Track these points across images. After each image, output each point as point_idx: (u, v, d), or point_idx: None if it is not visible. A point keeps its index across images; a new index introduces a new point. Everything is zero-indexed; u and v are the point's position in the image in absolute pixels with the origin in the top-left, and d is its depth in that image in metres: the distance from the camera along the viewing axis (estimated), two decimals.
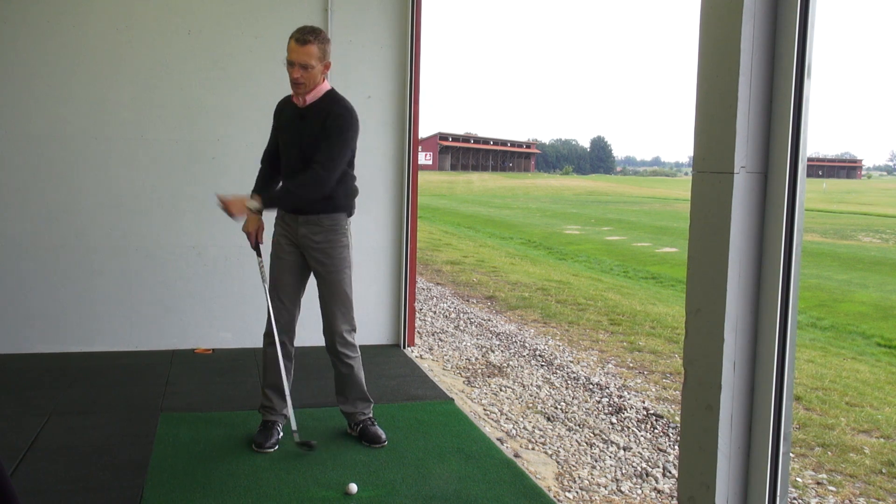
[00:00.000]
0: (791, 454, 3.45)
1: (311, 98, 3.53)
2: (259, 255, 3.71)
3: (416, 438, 3.87)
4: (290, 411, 3.66)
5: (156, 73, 5.25)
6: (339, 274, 3.64)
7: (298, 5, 5.41)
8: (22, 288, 5.18)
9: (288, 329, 3.71)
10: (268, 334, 3.70)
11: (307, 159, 3.50)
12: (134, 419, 4.03)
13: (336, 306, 3.65)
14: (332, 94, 3.58)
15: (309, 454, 3.59)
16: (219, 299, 5.49)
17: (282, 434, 3.75)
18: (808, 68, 1.96)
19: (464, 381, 5.51)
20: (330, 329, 3.68)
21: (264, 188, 3.73)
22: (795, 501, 3.76)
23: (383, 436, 3.76)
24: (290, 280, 3.69)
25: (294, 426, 3.61)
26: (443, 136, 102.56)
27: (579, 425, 4.67)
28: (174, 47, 5.25)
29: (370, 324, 5.73)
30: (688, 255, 2.21)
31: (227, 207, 3.53)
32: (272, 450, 3.63)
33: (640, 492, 3.76)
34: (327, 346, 3.72)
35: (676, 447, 4.32)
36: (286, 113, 3.65)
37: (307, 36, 3.42)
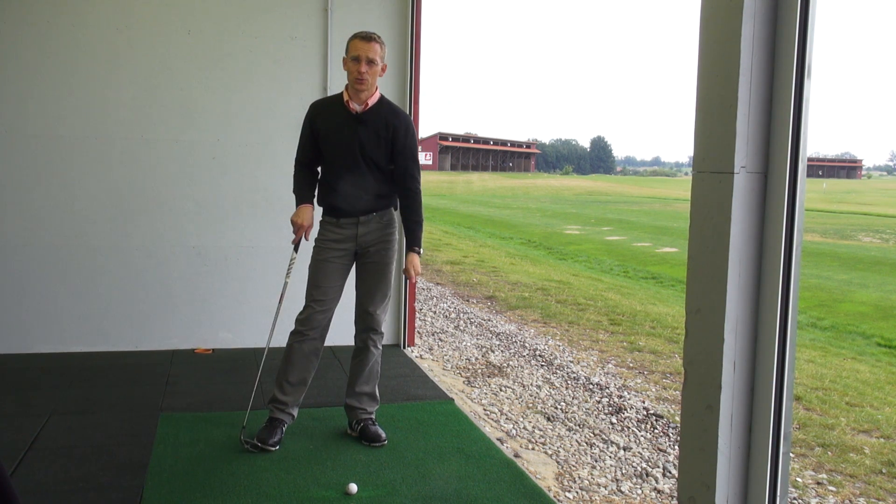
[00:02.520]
0: (791, 454, 3.45)
1: (371, 101, 3.61)
2: (296, 251, 3.76)
3: (416, 438, 3.87)
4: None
5: (156, 73, 5.25)
6: (392, 265, 3.81)
7: (298, 5, 5.41)
8: (22, 288, 5.18)
9: (323, 329, 3.73)
10: (301, 332, 3.69)
11: (371, 163, 3.62)
12: (134, 419, 4.03)
13: (384, 295, 3.78)
14: (386, 101, 3.70)
15: (311, 455, 3.59)
16: (219, 299, 5.49)
17: (283, 434, 3.75)
18: (808, 68, 1.96)
19: (464, 381, 5.51)
20: (371, 315, 3.76)
21: (308, 195, 3.76)
22: (795, 501, 3.76)
23: (383, 435, 3.77)
24: (337, 283, 3.72)
25: (245, 421, 3.72)
26: (443, 136, 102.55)
27: (579, 425, 4.67)
28: (174, 47, 5.25)
29: None
30: (688, 255, 2.21)
31: (409, 269, 3.70)
32: (274, 448, 3.63)
33: (640, 492, 3.76)
34: (362, 331, 3.78)
35: (676, 447, 4.32)
36: (335, 117, 3.63)
37: (372, 34, 3.54)
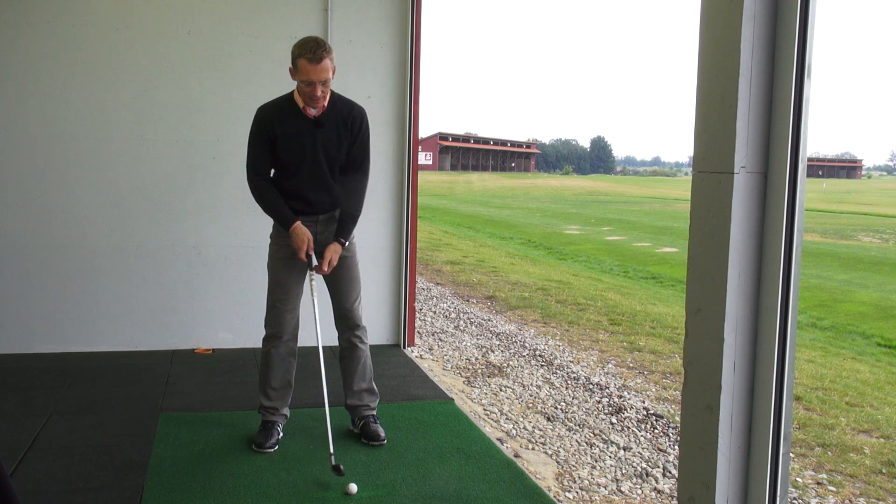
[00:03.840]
0: (791, 454, 3.45)
1: (325, 103, 3.53)
2: (311, 268, 3.62)
3: (416, 438, 3.87)
4: (329, 432, 3.50)
5: (156, 73, 5.25)
6: (356, 258, 3.79)
7: (298, 5, 5.41)
8: (22, 288, 5.18)
9: (294, 328, 3.75)
10: (275, 336, 3.69)
11: (334, 165, 3.59)
12: (134, 419, 4.03)
13: (357, 291, 3.78)
14: (338, 97, 3.60)
15: (311, 455, 3.59)
16: (219, 299, 5.49)
17: (282, 434, 3.75)
18: (808, 68, 1.96)
19: (464, 381, 5.51)
20: (350, 313, 3.76)
21: (291, 212, 3.58)
22: (795, 501, 3.76)
23: (383, 434, 3.78)
24: (299, 281, 3.71)
25: (332, 448, 3.44)
26: (443, 136, 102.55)
27: (579, 425, 4.67)
28: (174, 47, 5.25)
29: (370, 324, 5.69)
30: (688, 255, 2.21)
31: (325, 259, 3.56)
32: (272, 450, 3.64)
33: (640, 492, 3.76)
34: (345, 330, 3.78)
35: (676, 447, 4.32)
36: (292, 122, 3.52)
37: (320, 52, 3.31)
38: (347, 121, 3.56)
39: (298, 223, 3.55)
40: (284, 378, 3.75)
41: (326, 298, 3.82)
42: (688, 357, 2.21)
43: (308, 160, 3.56)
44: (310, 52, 3.31)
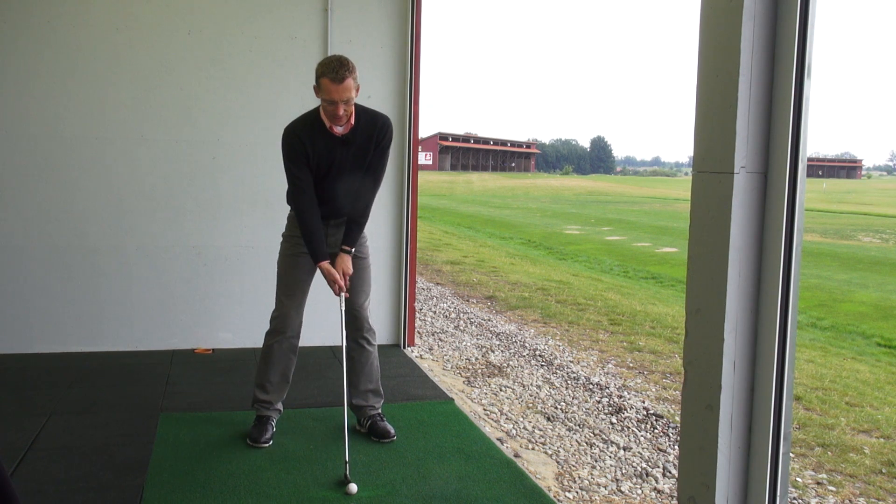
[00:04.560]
0: (791, 454, 3.45)
1: (351, 120, 3.51)
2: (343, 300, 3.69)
3: (416, 438, 3.87)
4: (346, 440, 3.44)
5: (156, 73, 5.25)
6: (368, 260, 3.83)
7: (298, 5, 5.41)
8: (22, 288, 5.18)
9: (298, 326, 3.77)
10: (278, 331, 3.71)
11: (357, 178, 3.61)
12: (134, 419, 4.03)
13: (368, 293, 3.82)
14: (361, 109, 3.57)
15: (311, 454, 3.59)
16: (219, 299, 5.49)
17: (274, 429, 3.78)
18: (808, 68, 1.96)
19: (464, 381, 5.51)
20: (361, 315, 3.79)
21: (325, 248, 3.58)
22: (795, 501, 3.76)
23: (392, 431, 3.81)
24: (307, 280, 3.73)
25: (347, 456, 3.39)
26: (443, 136, 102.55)
27: (579, 425, 4.67)
28: (174, 47, 5.25)
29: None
30: (688, 255, 2.21)
31: (338, 270, 3.61)
32: (267, 444, 3.66)
33: (640, 492, 3.76)
34: (354, 330, 3.80)
35: (676, 447, 4.32)
36: (321, 141, 3.49)
37: (342, 72, 3.28)
38: (373, 133, 3.55)
39: (326, 263, 3.57)
40: (283, 374, 3.78)
41: (328, 298, 3.83)
42: (688, 357, 2.21)
43: (332, 175, 3.58)
44: (332, 71, 3.30)
